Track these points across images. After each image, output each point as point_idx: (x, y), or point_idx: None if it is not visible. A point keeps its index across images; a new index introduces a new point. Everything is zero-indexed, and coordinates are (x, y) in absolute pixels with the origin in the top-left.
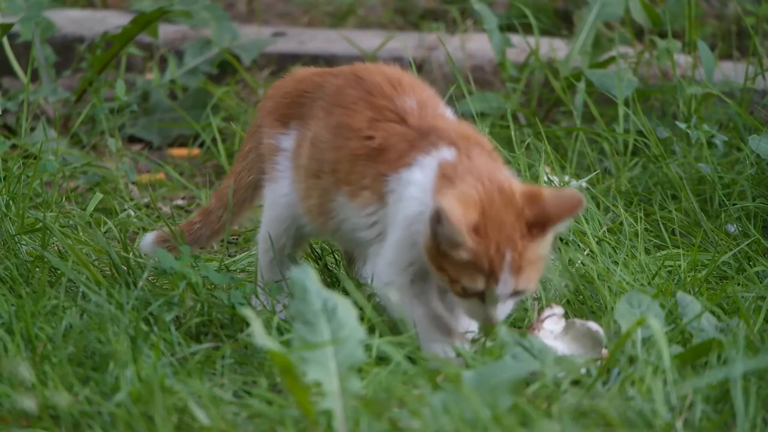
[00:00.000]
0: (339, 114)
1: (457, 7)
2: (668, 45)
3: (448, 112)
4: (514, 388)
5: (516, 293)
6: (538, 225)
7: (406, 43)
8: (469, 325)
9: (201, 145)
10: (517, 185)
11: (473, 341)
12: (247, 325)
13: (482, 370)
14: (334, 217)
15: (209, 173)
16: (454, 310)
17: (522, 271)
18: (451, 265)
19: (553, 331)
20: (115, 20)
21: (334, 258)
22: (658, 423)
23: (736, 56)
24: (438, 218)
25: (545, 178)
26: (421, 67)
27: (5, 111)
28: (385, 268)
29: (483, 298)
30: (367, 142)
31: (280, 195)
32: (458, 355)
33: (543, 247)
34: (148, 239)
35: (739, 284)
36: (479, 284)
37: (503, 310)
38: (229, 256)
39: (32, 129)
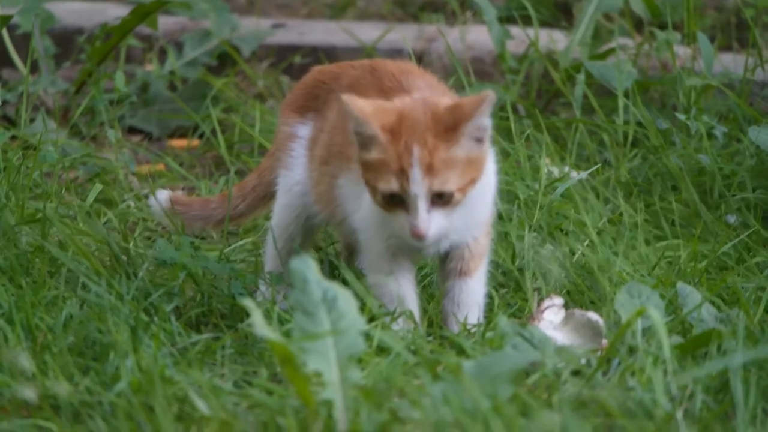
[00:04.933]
0: None
1: None
2: (668, 36)
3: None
4: (514, 378)
5: (438, 196)
6: (454, 125)
7: (405, 34)
8: (477, 320)
9: (201, 136)
10: (446, 101)
11: (473, 332)
12: (248, 315)
13: (482, 361)
14: (339, 204)
15: (209, 164)
16: (460, 307)
17: (436, 170)
18: (371, 172)
19: (553, 321)
20: (114, 11)
21: (335, 249)
22: (658, 413)
23: (735, 48)
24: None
25: (545, 170)
26: (420, 59)
27: (5, 102)
28: (368, 244)
29: (405, 207)
30: None
31: (293, 183)
32: (454, 345)
33: (464, 149)
34: (160, 197)
35: (739, 275)
36: (392, 184)
37: (432, 221)
38: (228, 245)
39: (32, 120)
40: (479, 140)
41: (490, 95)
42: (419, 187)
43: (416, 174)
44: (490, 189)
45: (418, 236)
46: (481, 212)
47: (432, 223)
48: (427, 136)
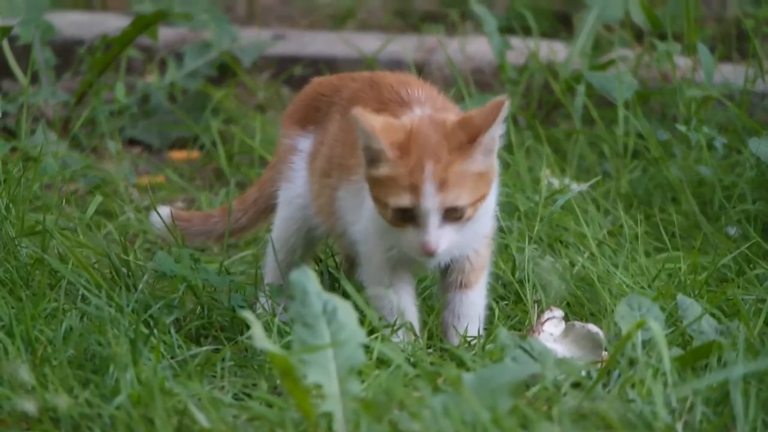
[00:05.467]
0: None
1: (456, 10)
2: (668, 47)
3: (457, 109)
4: (514, 390)
5: (449, 212)
6: (468, 139)
7: (406, 45)
8: (477, 332)
9: (201, 148)
10: (451, 117)
11: (473, 344)
12: (248, 327)
13: (482, 373)
14: (339, 217)
15: (209, 176)
16: (461, 319)
17: (448, 185)
18: (380, 188)
19: (553, 333)
20: (114, 23)
21: (335, 261)
22: (658, 425)
23: (735, 58)
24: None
25: (545, 181)
26: (421, 70)
27: (5, 114)
28: (367, 255)
29: (416, 223)
30: None
31: (294, 195)
32: (455, 357)
33: (477, 162)
34: (162, 213)
35: (739, 287)
36: (403, 200)
37: (443, 237)
38: (228, 257)
39: (32, 131)
40: (489, 152)
41: (504, 102)
42: (431, 202)
43: (428, 189)
44: (492, 201)
45: (429, 252)
46: (484, 225)
47: (442, 238)
48: (439, 151)
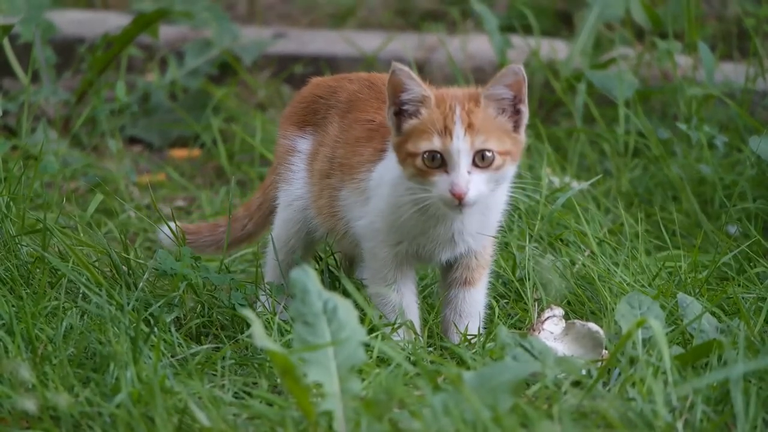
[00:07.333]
0: (352, 114)
1: (457, 9)
2: (669, 46)
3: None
4: (514, 389)
5: (479, 154)
6: (477, 94)
7: (406, 44)
8: (477, 330)
9: (201, 146)
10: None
11: (473, 342)
12: (248, 326)
13: (483, 371)
14: (342, 218)
15: (209, 174)
16: (462, 317)
17: (476, 129)
18: (412, 140)
19: (553, 332)
20: (115, 21)
21: (335, 259)
22: (658, 424)
23: (736, 57)
24: (394, 84)
25: (546, 179)
26: (421, 69)
27: (6, 112)
28: (373, 251)
29: (446, 168)
30: (368, 125)
31: (293, 198)
32: (455, 355)
33: (492, 112)
34: (167, 230)
35: (739, 285)
36: (435, 142)
37: (473, 182)
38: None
39: (33, 130)
40: (502, 109)
41: (510, 67)
42: (462, 142)
43: (459, 130)
44: (503, 197)
45: (458, 194)
46: (495, 217)
47: (474, 186)
48: (464, 101)
